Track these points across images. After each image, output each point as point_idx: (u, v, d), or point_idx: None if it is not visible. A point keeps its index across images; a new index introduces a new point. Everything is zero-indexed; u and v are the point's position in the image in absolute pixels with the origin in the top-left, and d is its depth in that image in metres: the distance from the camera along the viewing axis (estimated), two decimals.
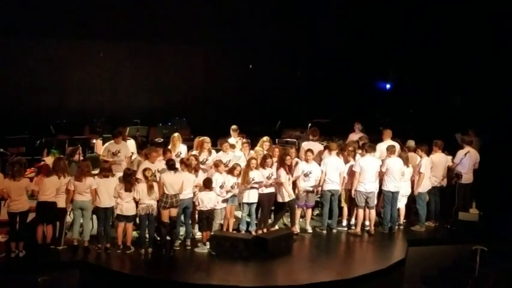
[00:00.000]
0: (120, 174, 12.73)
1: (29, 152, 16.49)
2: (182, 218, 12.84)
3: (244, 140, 14.99)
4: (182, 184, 12.35)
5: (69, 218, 12.70)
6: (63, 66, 21.56)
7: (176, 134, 14.57)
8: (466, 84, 19.41)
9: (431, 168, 14.35)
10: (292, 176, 13.65)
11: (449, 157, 14.91)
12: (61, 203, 12.05)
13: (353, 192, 13.85)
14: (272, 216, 14.06)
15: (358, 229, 13.95)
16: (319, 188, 14.03)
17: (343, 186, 14.12)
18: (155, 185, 12.21)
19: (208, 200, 12.54)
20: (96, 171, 12.71)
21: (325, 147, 14.70)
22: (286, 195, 13.54)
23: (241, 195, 13.30)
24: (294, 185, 13.79)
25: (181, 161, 12.80)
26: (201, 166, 13.50)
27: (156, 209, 12.25)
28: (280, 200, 13.59)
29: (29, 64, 20.76)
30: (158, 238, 12.55)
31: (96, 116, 20.61)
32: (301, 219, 14.20)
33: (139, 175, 12.46)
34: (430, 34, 20.52)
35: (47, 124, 19.12)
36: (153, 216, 12.24)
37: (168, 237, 12.43)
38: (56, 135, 18.49)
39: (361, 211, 13.89)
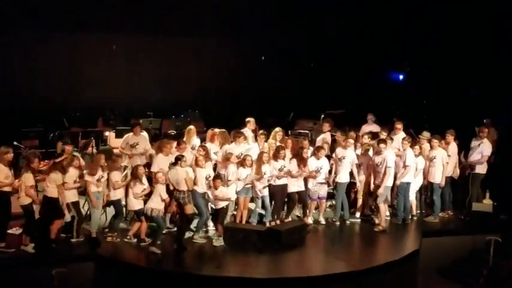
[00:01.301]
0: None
1: (43, 145, 16.55)
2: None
3: (262, 131, 14.96)
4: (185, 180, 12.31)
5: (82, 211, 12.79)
6: (77, 59, 21.60)
7: (192, 127, 14.55)
8: (481, 76, 19.26)
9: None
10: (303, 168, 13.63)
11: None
12: (70, 197, 12.11)
13: (380, 188, 13.71)
14: (285, 207, 14.07)
15: (384, 223, 13.87)
16: (331, 180, 14.06)
17: (358, 177, 14.14)
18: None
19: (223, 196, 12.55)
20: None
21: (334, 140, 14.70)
22: (296, 186, 13.58)
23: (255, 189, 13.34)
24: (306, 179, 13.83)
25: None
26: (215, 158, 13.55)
27: (162, 210, 12.20)
28: (290, 190, 13.61)
29: (42, 57, 20.79)
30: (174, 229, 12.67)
31: (109, 108, 20.65)
32: (314, 211, 14.20)
33: (155, 168, 12.51)
34: (443, 25, 20.37)
35: (60, 117, 19.18)
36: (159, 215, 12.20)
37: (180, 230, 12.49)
38: (69, 128, 18.55)
39: (384, 206, 13.84)
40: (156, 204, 12.05)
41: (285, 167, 13.40)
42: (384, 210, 13.82)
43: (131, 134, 14.11)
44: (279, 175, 13.31)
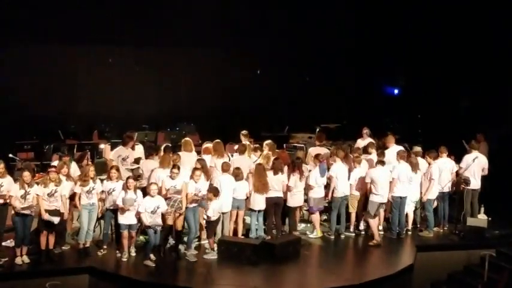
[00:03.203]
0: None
1: (38, 157, 16.52)
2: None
3: (257, 145, 15.01)
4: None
5: (76, 223, 12.76)
6: (72, 72, 21.63)
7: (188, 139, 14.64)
8: (474, 89, 19.35)
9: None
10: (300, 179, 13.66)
11: (453, 162, 14.85)
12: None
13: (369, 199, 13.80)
14: (287, 221, 14.03)
15: (377, 237, 13.86)
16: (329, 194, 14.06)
17: (350, 192, 14.15)
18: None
19: (218, 209, 12.51)
20: (103, 176, 12.79)
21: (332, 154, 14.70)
22: (295, 200, 13.60)
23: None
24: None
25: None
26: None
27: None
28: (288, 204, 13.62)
29: (37, 69, 20.81)
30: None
31: (105, 121, 20.65)
32: (308, 225, 14.17)
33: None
34: (437, 38, 20.49)
35: (55, 129, 19.17)
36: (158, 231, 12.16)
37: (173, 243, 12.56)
38: (64, 140, 18.54)
39: (374, 220, 13.83)
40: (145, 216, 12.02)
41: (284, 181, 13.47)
42: (375, 225, 13.82)
43: (122, 146, 14.17)
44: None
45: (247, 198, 13.32)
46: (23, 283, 11.26)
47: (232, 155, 14.40)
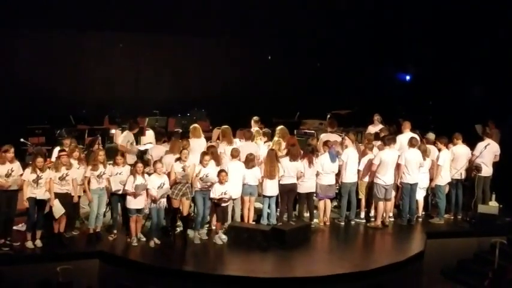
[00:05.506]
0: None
1: (49, 142, 16.56)
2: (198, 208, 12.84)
3: (265, 129, 15.00)
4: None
5: (87, 208, 12.82)
6: (83, 57, 21.62)
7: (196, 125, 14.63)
8: (486, 76, 19.17)
9: (453, 160, 14.28)
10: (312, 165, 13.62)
11: (469, 148, 14.77)
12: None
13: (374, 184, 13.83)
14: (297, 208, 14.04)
15: (379, 222, 13.89)
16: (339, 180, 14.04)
17: (362, 178, 14.11)
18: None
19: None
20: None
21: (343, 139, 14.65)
22: (303, 186, 13.56)
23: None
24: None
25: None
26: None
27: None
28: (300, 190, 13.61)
29: (48, 55, 20.81)
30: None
31: (116, 106, 20.66)
32: (315, 212, 14.18)
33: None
34: (450, 24, 20.31)
35: (67, 114, 19.20)
36: (161, 209, 12.30)
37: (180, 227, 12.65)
38: (75, 125, 18.57)
39: (380, 204, 13.82)
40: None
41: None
42: (382, 208, 13.82)
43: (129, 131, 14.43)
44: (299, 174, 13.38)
45: (259, 184, 13.29)
46: (34, 267, 11.28)
47: (240, 141, 14.38)
